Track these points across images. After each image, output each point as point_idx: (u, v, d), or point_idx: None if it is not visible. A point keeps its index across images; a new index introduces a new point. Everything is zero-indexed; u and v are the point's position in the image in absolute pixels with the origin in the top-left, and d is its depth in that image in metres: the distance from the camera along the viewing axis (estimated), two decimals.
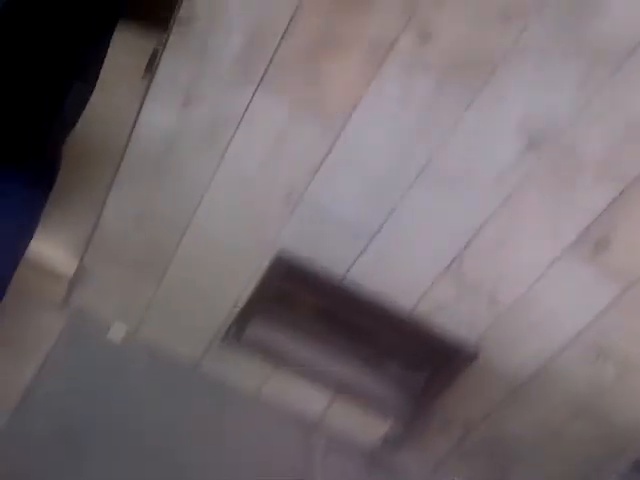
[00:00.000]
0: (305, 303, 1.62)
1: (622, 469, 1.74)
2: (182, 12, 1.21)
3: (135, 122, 1.34)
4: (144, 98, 1.31)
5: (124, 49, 1.37)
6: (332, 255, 1.49)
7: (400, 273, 1.51)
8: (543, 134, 1.29)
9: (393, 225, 1.44)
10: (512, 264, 1.48)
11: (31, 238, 1.49)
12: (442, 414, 1.75)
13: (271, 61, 1.25)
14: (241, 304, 1.61)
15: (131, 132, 1.36)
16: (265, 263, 1.52)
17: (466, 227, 1.43)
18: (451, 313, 1.57)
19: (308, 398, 1.76)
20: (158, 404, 1.67)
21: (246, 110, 1.30)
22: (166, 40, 1.25)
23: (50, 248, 1.58)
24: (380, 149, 1.34)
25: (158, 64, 1.27)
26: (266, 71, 1.26)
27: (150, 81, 1.29)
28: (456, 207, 1.40)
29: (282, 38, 1.22)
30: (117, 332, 1.70)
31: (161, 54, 1.26)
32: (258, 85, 1.27)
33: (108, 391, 1.63)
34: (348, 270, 1.50)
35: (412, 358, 1.71)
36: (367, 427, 1.79)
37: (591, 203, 1.37)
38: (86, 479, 1.47)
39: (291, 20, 1.20)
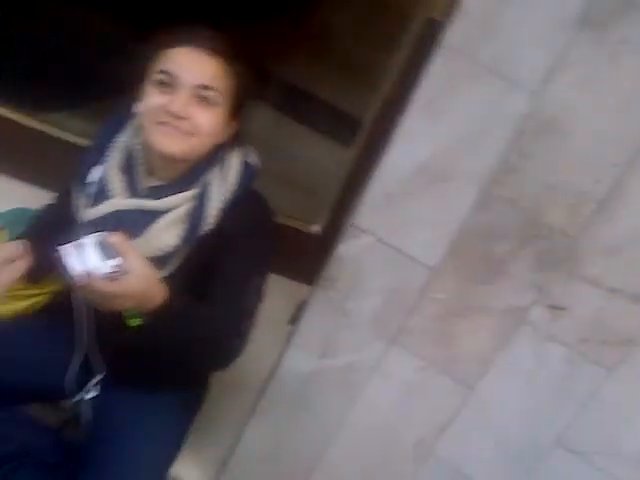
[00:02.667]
0: None
1: None
2: (326, 272, 1.35)
3: (277, 364, 1.46)
4: (287, 344, 1.43)
5: (275, 295, 1.52)
6: None
7: None
8: None
9: None
10: None
11: (176, 457, 1.57)
12: None
13: (405, 321, 1.33)
14: None
15: (273, 372, 1.47)
16: None
17: None
18: None
19: None
20: None
21: (379, 364, 1.37)
22: (311, 295, 1.39)
23: (189, 468, 1.67)
24: (512, 414, 1.32)
25: (302, 316, 1.40)
26: (400, 330, 1.34)
27: (294, 330, 1.42)
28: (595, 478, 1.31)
29: (416, 301, 1.31)
30: None
31: (305, 307, 1.39)
32: (391, 342, 1.35)
33: None
34: None
35: None
36: None
37: None
38: None
39: (424, 286, 1.29)
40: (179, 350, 1.27)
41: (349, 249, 1.32)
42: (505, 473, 1.36)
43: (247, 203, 1.37)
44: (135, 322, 1.13)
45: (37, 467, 1.45)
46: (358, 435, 1.45)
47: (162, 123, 1.22)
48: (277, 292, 1.62)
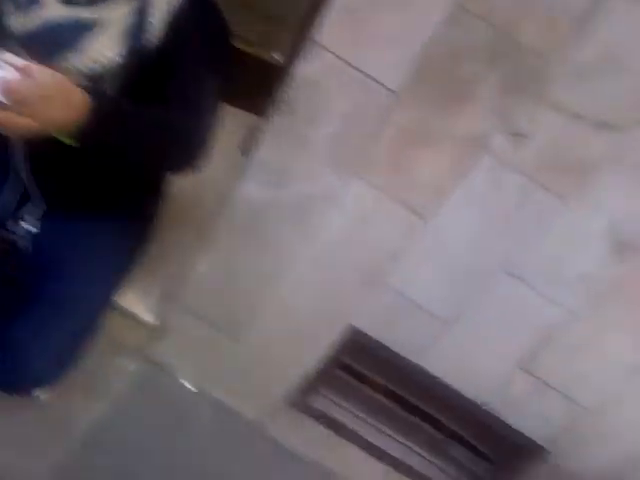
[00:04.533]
0: (374, 381, 1.62)
1: None
2: (283, 95, 1.26)
3: (231, 193, 1.40)
4: (242, 173, 1.37)
5: (229, 126, 1.44)
6: (406, 340, 1.48)
7: (474, 364, 1.48)
8: (635, 244, 1.25)
9: (471, 316, 1.42)
10: (593, 367, 1.43)
11: (116, 291, 1.55)
12: None
13: (364, 149, 1.28)
14: (309, 373, 1.62)
15: (226, 201, 1.42)
16: (337, 339, 1.53)
17: (546, 324, 1.40)
18: (524, 408, 1.52)
19: (368, 472, 1.74)
20: (219, 460, 1.69)
21: (335, 194, 1.34)
22: (264, 122, 1.31)
23: (137, 297, 1.66)
24: (464, 243, 1.33)
25: (257, 143, 1.33)
26: (358, 158, 1.29)
27: (249, 158, 1.35)
28: (536, 303, 1.37)
29: (376, 128, 1.25)
30: (187, 385, 1.76)
31: (260, 135, 1.32)
32: (349, 171, 1.31)
33: (172, 438, 1.66)
34: (421, 356, 1.49)
35: (479, 448, 1.66)
36: None
37: None
38: None
39: (386, 111, 1.23)
40: (134, 153, 1.17)
41: (308, 69, 1.22)
42: (450, 298, 1.41)
43: (198, 12, 1.25)
44: (68, 140, 1.02)
45: None
46: (309, 263, 1.44)
47: None
48: (232, 123, 1.54)
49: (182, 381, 1.76)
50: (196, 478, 1.64)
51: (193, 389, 1.76)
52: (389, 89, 1.21)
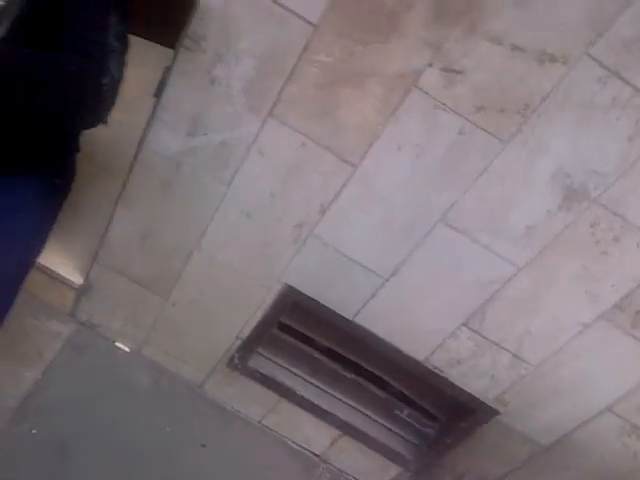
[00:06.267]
0: (313, 340, 1.53)
1: None
2: (191, 31, 1.12)
3: (141, 142, 1.27)
4: (151, 120, 1.23)
5: (142, 61, 1.28)
6: (341, 296, 1.39)
7: (415, 321, 1.39)
8: (581, 190, 1.14)
9: (408, 271, 1.32)
10: (540, 323, 1.34)
11: (44, 243, 1.44)
12: (454, 468, 1.64)
13: (283, 90, 1.14)
14: (246, 333, 1.53)
15: (137, 152, 1.29)
16: (271, 295, 1.44)
17: (489, 279, 1.30)
18: (470, 367, 1.44)
19: (312, 434, 1.68)
20: (157, 423, 1.62)
21: (255, 140, 1.21)
22: (174, 60, 1.16)
23: (61, 258, 1.55)
24: (398, 191, 1.22)
25: (165, 85, 1.19)
26: (277, 100, 1.16)
27: (157, 103, 1.21)
28: (479, 257, 1.27)
29: (296, 66, 1.11)
30: (121, 346, 1.67)
31: (169, 75, 1.18)
32: (268, 115, 1.17)
33: (107, 405, 1.59)
34: (357, 313, 1.40)
35: (426, 408, 1.59)
36: (373, 470, 1.69)
37: (636, 269, 1.21)
38: None
39: (305, 48, 1.10)
40: (31, 103, 1.01)
41: None
42: (385, 252, 1.30)
43: None
44: None
45: None
46: (235, 217, 1.33)
47: None
48: (144, 60, 1.38)
49: (115, 343, 1.67)
50: (134, 442, 1.57)
51: (126, 349, 1.67)
52: (307, 21, 1.07)
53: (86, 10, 1.10)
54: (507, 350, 1.39)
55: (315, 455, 1.72)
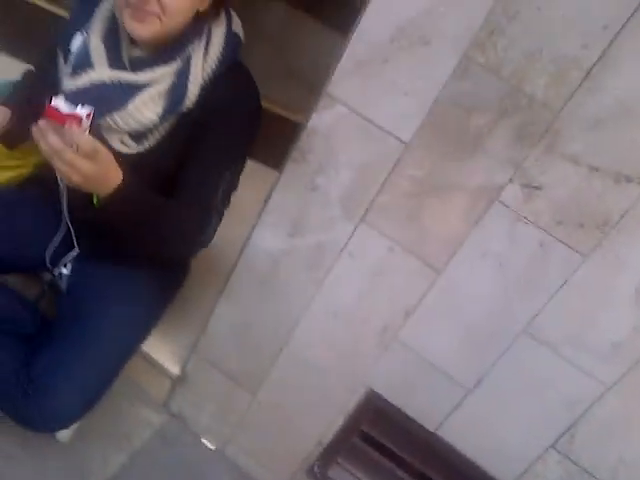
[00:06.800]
0: (393, 453, 1.51)
1: None
2: (298, 145, 1.30)
3: (247, 240, 1.43)
4: (256, 221, 1.39)
5: (254, 182, 1.49)
6: (423, 405, 1.40)
7: (499, 439, 1.36)
8: None
9: (492, 382, 1.32)
10: (635, 447, 1.27)
11: (144, 337, 1.58)
12: None
13: (375, 199, 1.27)
14: (327, 440, 1.55)
15: (241, 251, 1.44)
16: (353, 401, 1.47)
17: (577, 398, 1.28)
18: None
19: None
20: None
21: (347, 243, 1.33)
22: (281, 171, 1.34)
23: (163, 347, 1.68)
24: (480, 299, 1.27)
25: (271, 193, 1.36)
26: (370, 207, 1.28)
27: (263, 207, 1.38)
28: (563, 374, 1.26)
29: (388, 178, 1.25)
30: (207, 443, 1.73)
31: (275, 183, 1.35)
32: (361, 220, 1.30)
33: None
34: (440, 425, 1.40)
35: None
36: None
37: None
38: None
39: (398, 160, 1.23)
40: (139, 234, 1.29)
41: (321, 120, 1.26)
42: (469, 361, 1.32)
43: (232, 75, 1.34)
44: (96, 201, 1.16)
45: (12, 336, 1.46)
46: (324, 317, 1.42)
47: (128, 4, 1.20)
48: (257, 179, 1.59)
49: (202, 438, 1.73)
50: None
51: (211, 447, 1.72)
52: (400, 140, 1.22)
53: (219, 164, 1.35)
54: (600, 478, 1.32)
55: None
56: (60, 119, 1.02)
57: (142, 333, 1.56)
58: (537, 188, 1.16)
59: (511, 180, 1.17)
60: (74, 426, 1.51)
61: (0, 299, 1.52)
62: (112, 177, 1.14)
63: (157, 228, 1.28)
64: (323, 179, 1.30)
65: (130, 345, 1.53)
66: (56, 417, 1.38)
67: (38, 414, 1.36)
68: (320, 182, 1.30)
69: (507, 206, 1.19)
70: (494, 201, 1.19)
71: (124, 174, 1.16)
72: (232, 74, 1.35)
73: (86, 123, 1.04)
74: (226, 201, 1.42)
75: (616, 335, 1.20)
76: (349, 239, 1.32)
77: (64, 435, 1.51)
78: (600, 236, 1.15)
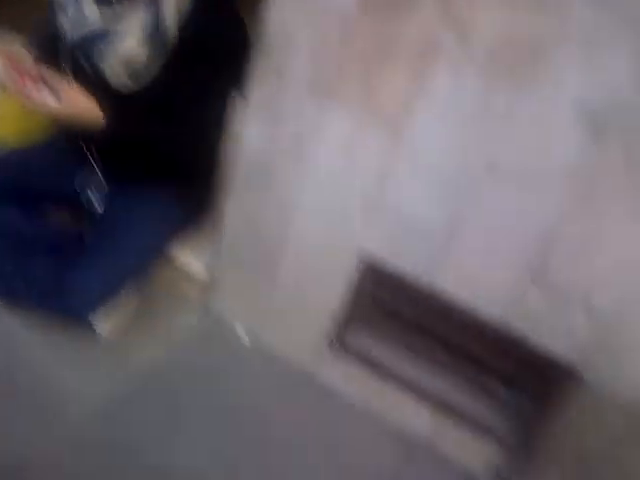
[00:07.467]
0: (397, 311, 1.66)
1: None
2: (261, 41, 1.46)
3: (239, 140, 1.61)
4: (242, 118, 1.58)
5: None
6: (412, 259, 1.54)
7: (482, 278, 1.48)
8: (606, 115, 1.22)
9: (466, 227, 1.44)
10: (603, 264, 1.36)
11: (168, 242, 1.85)
12: (553, 443, 1.60)
13: (331, 74, 1.42)
14: (338, 309, 1.72)
15: (237, 148, 1.63)
16: (352, 268, 1.63)
17: (544, 227, 1.37)
18: (545, 324, 1.47)
19: (410, 413, 1.76)
20: (273, 409, 1.74)
21: (318, 123, 1.49)
22: (253, 65, 1.51)
23: (187, 251, 1.92)
24: (441, 150, 1.39)
25: (249, 88, 1.53)
26: (329, 84, 1.43)
27: (245, 103, 1.56)
28: (528, 205, 1.36)
29: (338, 50, 1.39)
30: (242, 336, 1.92)
31: (250, 78, 1.53)
32: (325, 98, 1.45)
33: (223, 385, 1.76)
34: (429, 274, 1.53)
35: (512, 376, 1.62)
36: (470, 449, 1.71)
37: None
38: (184, 448, 1.57)
39: (343, 32, 1.37)
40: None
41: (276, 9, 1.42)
42: (440, 201, 1.45)
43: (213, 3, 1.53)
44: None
45: (49, 252, 1.73)
46: (314, 197, 1.59)
47: None
48: None
49: (236, 332, 1.92)
50: (246, 420, 1.71)
51: (246, 338, 1.91)
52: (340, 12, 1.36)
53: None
54: (576, 300, 1.40)
55: (414, 436, 1.77)
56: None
57: (164, 240, 1.81)
58: (468, 31, 1.27)
59: (444, 29, 1.29)
60: (114, 321, 1.73)
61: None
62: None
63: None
64: (287, 66, 1.46)
65: (152, 250, 1.79)
66: (80, 303, 1.62)
67: (68, 295, 1.61)
68: (285, 69, 1.47)
69: (446, 54, 1.31)
70: (434, 52, 1.31)
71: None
72: (213, 8, 1.55)
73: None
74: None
75: (568, 154, 1.28)
76: (318, 119, 1.48)
77: (104, 328, 1.72)
78: (533, 62, 1.24)
